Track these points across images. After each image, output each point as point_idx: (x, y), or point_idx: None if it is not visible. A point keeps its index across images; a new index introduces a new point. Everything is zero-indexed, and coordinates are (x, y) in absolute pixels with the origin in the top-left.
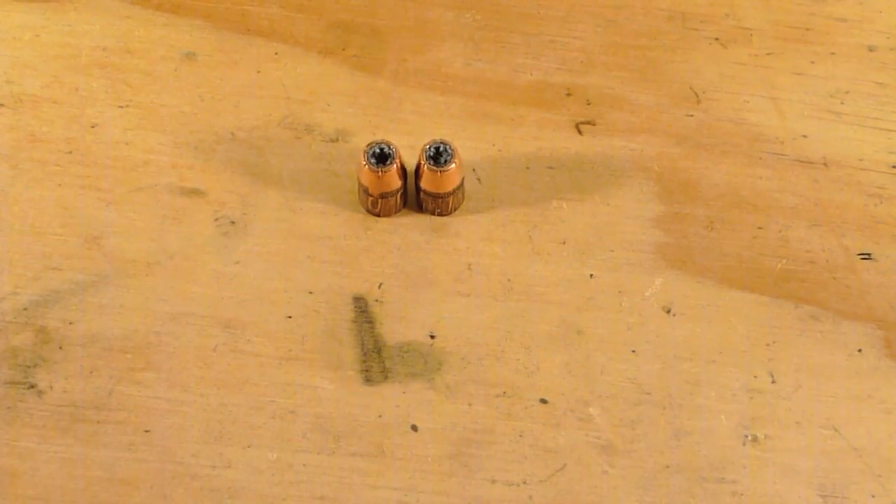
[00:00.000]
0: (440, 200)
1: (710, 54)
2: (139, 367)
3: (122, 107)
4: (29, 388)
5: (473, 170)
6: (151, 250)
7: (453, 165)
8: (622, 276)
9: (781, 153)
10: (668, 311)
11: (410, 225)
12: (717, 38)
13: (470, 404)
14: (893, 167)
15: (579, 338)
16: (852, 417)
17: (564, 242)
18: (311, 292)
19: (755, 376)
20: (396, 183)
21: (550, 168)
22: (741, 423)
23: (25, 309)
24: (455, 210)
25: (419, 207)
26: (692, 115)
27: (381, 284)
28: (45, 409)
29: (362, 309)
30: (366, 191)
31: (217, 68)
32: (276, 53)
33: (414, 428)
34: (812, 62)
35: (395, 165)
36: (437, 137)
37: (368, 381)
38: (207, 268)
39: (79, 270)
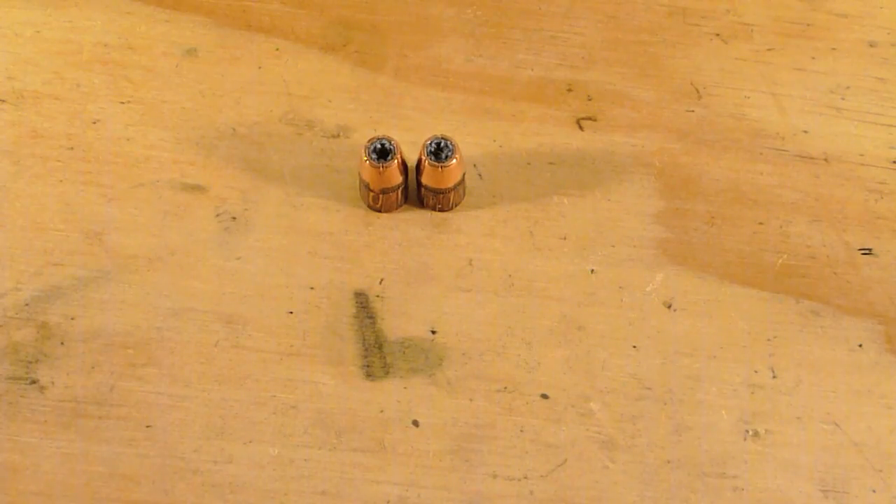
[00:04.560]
0: (441, 196)
1: (711, 50)
2: (140, 362)
3: (123, 103)
4: (30, 384)
5: (474, 165)
6: (153, 246)
7: (454, 161)
8: (623, 271)
9: (782, 149)
10: (669, 307)
11: (411, 220)
12: (717, 34)
13: (471, 399)
14: (894, 162)
15: (580, 333)
16: (853, 412)
17: (565, 238)
18: (312, 288)
19: (756, 371)
20: (397, 178)
21: (551, 164)
22: (742, 418)
23: (27, 304)
24: (456, 206)
25: (420, 203)
26: (693, 111)
27: (382, 280)
28: (46, 405)
29: (363, 304)
30: (367, 186)
31: (218, 64)
32: (277, 49)
33: (415, 423)
34: (813, 58)
35: (395, 161)
36: (438, 133)
37: (370, 376)
38: (209, 263)
39: (80, 266)
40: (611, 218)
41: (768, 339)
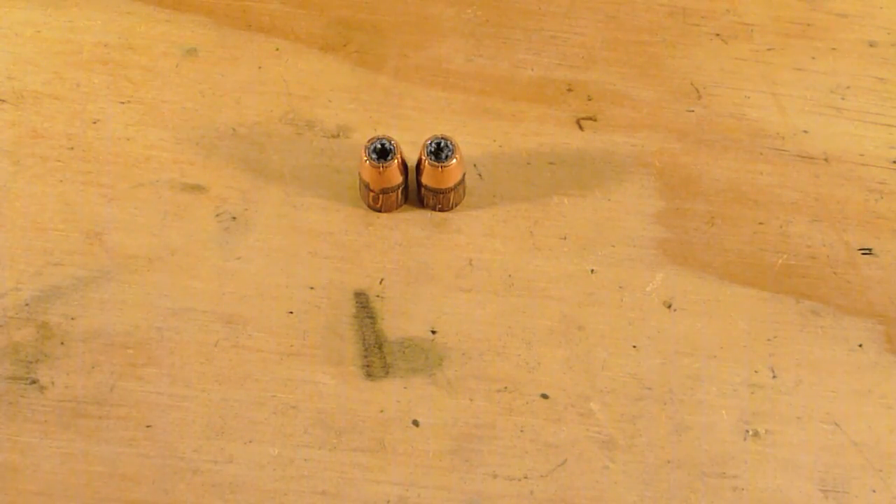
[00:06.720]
0: (441, 196)
1: (711, 50)
2: (141, 362)
3: (123, 103)
4: (31, 384)
5: (474, 165)
6: (153, 246)
7: (454, 161)
8: (623, 271)
9: (782, 149)
10: (669, 307)
11: (411, 220)
12: (717, 34)
13: (471, 399)
14: (894, 162)
15: (580, 333)
16: (853, 412)
17: (565, 238)
18: (312, 288)
19: (756, 371)
20: (397, 178)
21: (551, 164)
22: (742, 418)
23: (27, 304)
24: (456, 206)
25: (420, 203)
26: (693, 111)
27: (382, 280)
28: (46, 405)
29: (363, 304)
30: (367, 186)
31: (218, 64)
32: (277, 49)
33: (415, 423)
34: (813, 58)
35: (396, 161)
36: (438, 133)
37: (370, 376)
38: (209, 263)
39: (80, 266)
40: (611, 218)
41: (768, 339)
